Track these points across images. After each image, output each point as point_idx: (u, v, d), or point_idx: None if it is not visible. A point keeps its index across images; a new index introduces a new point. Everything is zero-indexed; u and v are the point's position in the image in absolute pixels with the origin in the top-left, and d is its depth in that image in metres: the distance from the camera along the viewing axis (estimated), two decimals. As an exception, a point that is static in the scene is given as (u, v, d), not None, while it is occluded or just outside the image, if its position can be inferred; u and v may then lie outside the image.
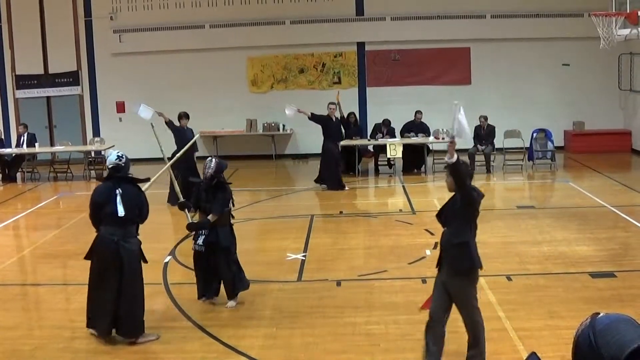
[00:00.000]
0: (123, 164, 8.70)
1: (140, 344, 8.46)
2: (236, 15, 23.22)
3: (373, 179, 20.27)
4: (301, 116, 23.39)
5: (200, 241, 9.59)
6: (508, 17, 22.81)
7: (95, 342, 8.56)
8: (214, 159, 9.76)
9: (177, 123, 16.62)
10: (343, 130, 19.43)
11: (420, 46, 23.35)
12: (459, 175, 7.13)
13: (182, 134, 16.39)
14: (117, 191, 8.50)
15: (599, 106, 23.15)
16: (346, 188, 18.04)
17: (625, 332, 2.59)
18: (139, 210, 8.65)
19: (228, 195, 9.69)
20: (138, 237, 8.75)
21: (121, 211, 8.41)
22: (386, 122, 20.70)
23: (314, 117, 18.17)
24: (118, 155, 8.75)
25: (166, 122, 16.43)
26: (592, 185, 17.38)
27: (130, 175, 8.88)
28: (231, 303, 9.61)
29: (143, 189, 9.05)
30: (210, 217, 9.46)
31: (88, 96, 24.22)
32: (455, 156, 7.10)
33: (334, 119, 18.26)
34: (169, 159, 11.31)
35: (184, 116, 16.69)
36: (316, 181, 18.38)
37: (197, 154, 16.87)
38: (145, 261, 8.85)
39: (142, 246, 8.72)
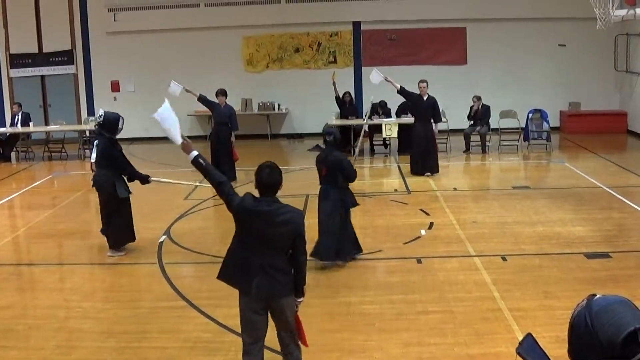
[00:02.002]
0: (102, 122, 10.99)
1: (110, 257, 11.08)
2: (231, -6, 23.14)
3: (368, 158, 20.24)
4: (298, 95, 23.47)
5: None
6: (504, -4, 22.77)
7: (90, 321, 8.57)
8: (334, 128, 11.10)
9: (215, 100, 16.75)
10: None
11: (416, 26, 23.27)
12: (203, 174, 6.34)
13: (219, 111, 16.48)
14: (95, 142, 11.35)
15: (595, 87, 23.13)
16: (427, 174, 16.82)
17: (622, 315, 2.59)
18: (111, 160, 10.97)
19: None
20: (122, 179, 11.13)
21: (93, 157, 11.48)
22: (382, 104, 20.64)
23: (403, 92, 16.90)
24: (99, 115, 11.18)
25: (198, 99, 16.47)
26: (588, 166, 17.38)
27: (107, 134, 11.03)
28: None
29: (152, 178, 11.41)
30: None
31: (82, 75, 24.13)
32: (194, 153, 6.35)
33: (425, 98, 17.10)
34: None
35: (220, 93, 16.70)
36: (412, 172, 17.11)
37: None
38: (117, 196, 10.91)
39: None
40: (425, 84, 17.09)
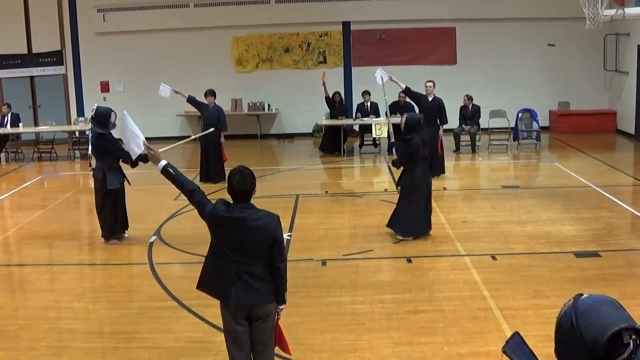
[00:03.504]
0: (93, 115, 11.44)
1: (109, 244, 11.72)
2: (221, -6, 23.14)
3: (358, 158, 20.26)
4: (288, 95, 23.47)
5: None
6: (494, -4, 22.82)
7: (80, 322, 8.55)
8: (405, 117, 11.61)
9: (204, 100, 16.85)
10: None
11: (405, 26, 23.29)
12: (174, 183, 6.14)
13: (208, 111, 16.53)
14: (90, 135, 11.73)
15: (584, 86, 23.20)
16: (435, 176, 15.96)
17: (607, 315, 2.60)
18: (100, 152, 11.46)
19: (411, 148, 11.33)
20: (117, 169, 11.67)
21: (90, 150, 12.13)
22: (367, 92, 20.63)
23: (408, 92, 16.44)
24: (92, 109, 11.61)
25: (187, 100, 16.55)
26: (577, 165, 17.43)
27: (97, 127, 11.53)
28: (398, 237, 11.57)
29: (163, 149, 11.27)
30: (394, 160, 11.63)
31: (72, 76, 24.07)
32: (162, 162, 6.18)
33: (430, 99, 16.65)
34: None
35: (209, 93, 16.81)
36: None
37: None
38: (106, 187, 11.42)
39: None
40: (431, 84, 16.77)
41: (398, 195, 11.90)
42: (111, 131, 11.60)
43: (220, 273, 5.86)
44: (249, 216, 5.81)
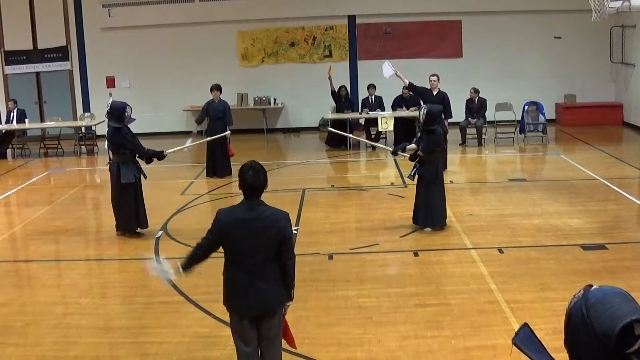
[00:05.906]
0: (108, 110, 11.56)
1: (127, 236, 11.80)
2: (226, -11, 23.11)
3: (364, 152, 20.24)
4: (293, 89, 23.45)
5: (412, 172, 11.53)
6: (499, -11, 22.75)
7: (87, 317, 8.58)
8: (425, 108, 11.53)
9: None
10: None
11: (411, 19, 23.24)
12: (196, 263, 6.12)
13: (214, 106, 16.57)
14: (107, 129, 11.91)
15: (591, 79, 23.13)
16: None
17: (618, 306, 2.58)
18: (116, 146, 11.57)
19: (436, 138, 11.40)
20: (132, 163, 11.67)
21: (106, 144, 12.26)
22: (372, 86, 20.61)
23: (412, 87, 16.20)
24: (108, 103, 11.73)
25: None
26: (584, 158, 17.39)
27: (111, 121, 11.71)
28: (427, 229, 11.60)
29: (170, 150, 12.15)
30: (419, 153, 11.41)
31: (78, 71, 24.05)
32: (176, 271, 6.23)
33: (435, 93, 16.48)
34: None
35: (215, 88, 16.82)
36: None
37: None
38: (120, 180, 11.46)
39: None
40: (436, 78, 16.69)
41: (420, 189, 11.65)
42: (127, 125, 11.70)
43: (235, 284, 5.87)
44: (258, 215, 5.79)
